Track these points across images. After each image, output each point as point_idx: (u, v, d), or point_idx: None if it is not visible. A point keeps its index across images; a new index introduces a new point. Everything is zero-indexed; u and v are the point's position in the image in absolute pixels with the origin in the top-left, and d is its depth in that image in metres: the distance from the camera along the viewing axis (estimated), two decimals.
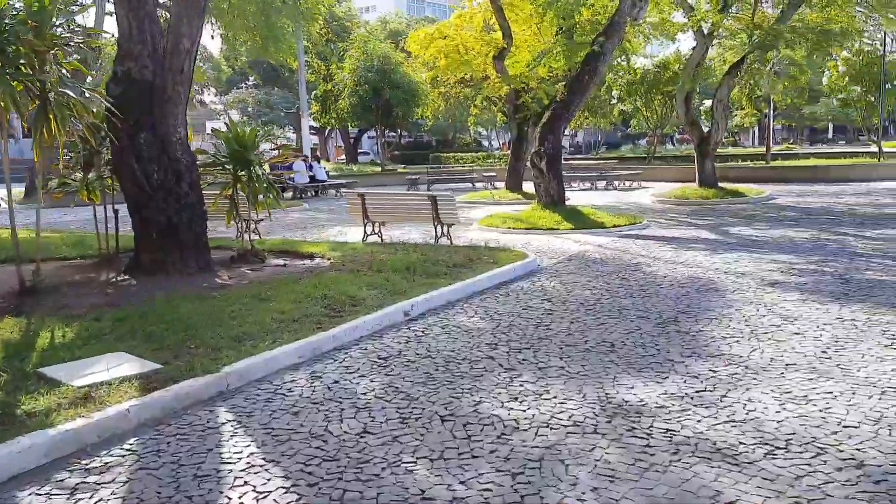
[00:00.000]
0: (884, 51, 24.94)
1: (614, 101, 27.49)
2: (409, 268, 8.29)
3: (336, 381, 5.08)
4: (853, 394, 4.50)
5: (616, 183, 22.84)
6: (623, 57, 26.10)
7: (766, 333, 5.91)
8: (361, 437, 4.13)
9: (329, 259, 9.32)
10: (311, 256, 9.63)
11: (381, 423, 4.31)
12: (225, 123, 9.78)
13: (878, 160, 25.79)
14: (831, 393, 4.53)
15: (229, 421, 4.47)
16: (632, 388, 4.76)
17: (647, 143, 32.86)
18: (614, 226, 12.76)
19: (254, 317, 6.28)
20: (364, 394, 4.81)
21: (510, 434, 4.09)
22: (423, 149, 53.91)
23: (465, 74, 20.03)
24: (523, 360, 5.42)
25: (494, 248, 10.17)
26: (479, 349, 5.73)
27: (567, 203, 14.79)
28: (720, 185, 18.22)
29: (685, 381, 4.84)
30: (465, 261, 8.93)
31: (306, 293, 7.04)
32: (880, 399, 4.39)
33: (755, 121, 44.33)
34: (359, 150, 52.81)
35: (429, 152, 48.43)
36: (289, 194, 22.45)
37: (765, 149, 29.11)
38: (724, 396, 4.54)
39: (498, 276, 8.41)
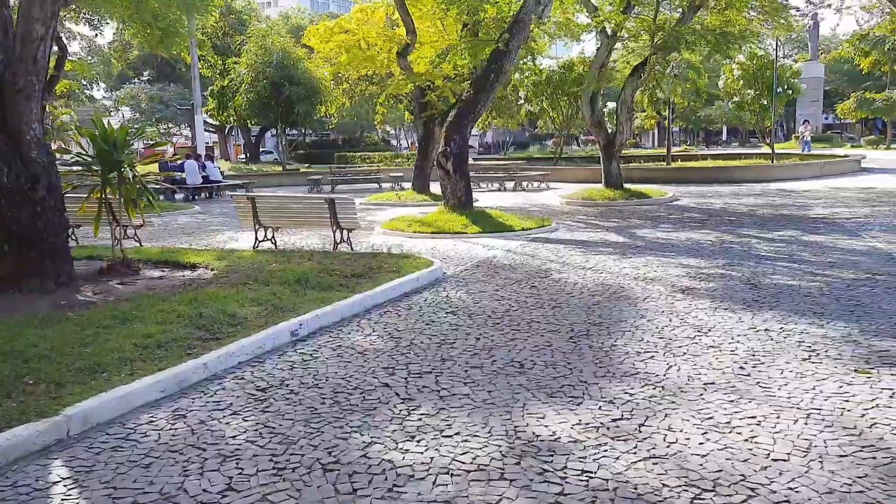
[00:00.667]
0: (775, 55, 25.93)
1: (521, 102, 27.39)
2: (301, 279, 7.54)
3: (202, 422, 4.33)
4: (777, 418, 4.14)
5: (525, 184, 22.67)
6: (529, 57, 26.09)
7: (680, 347, 5.55)
8: (224, 496, 3.42)
9: (212, 270, 8.45)
10: (192, 267, 8.72)
11: (250, 475, 3.62)
12: (91, 120, 8.72)
13: (771, 161, 26.77)
14: (755, 418, 4.15)
15: (64, 479, 3.66)
16: (543, 418, 4.24)
17: (554, 145, 33.07)
18: (523, 229, 12.38)
19: (112, 343, 5.42)
20: (234, 437, 4.09)
21: (403, 485, 3.48)
22: (329, 147, 52.63)
23: (369, 71, 19.31)
24: (423, 387, 4.83)
25: (397, 255, 9.55)
26: (373, 375, 5.10)
27: (475, 205, 14.33)
28: (625, 186, 18.26)
29: (600, 408, 4.37)
30: (364, 270, 8.26)
31: (179, 312, 6.20)
32: (806, 424, 4.04)
33: (654, 123, 45.57)
34: (261, 149, 50.99)
35: (335, 151, 47.27)
36: (180, 196, 21.08)
37: (665, 150, 29.73)
38: (643, 425, 4.09)
39: (400, 286, 7.79)
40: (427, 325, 6.47)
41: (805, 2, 26.72)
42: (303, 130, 42.10)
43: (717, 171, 24.93)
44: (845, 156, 29.74)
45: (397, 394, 4.70)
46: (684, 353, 5.40)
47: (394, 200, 19.36)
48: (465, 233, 12.07)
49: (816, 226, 12.21)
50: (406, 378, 5.01)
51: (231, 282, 7.58)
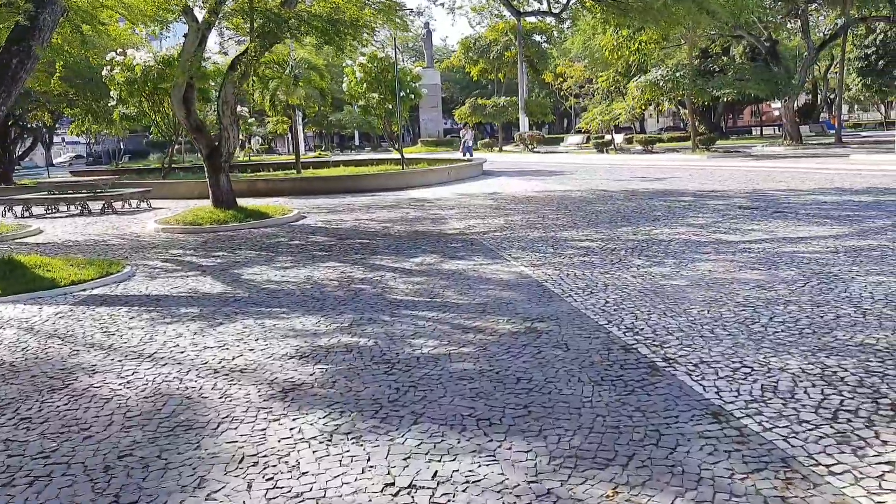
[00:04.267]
0: (395, 55, 25.15)
1: (113, 103, 22.51)
2: None
3: None
4: None
5: (117, 205, 18.09)
6: (119, 50, 21.39)
7: None
8: None
9: None
10: None
11: None
12: None
13: (402, 167, 25.99)
14: None
15: None
16: None
17: (165, 154, 28.52)
18: (74, 282, 8.47)
19: None
20: None
21: None
22: None
23: None
24: None
25: None
26: None
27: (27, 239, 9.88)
28: (241, 204, 15.09)
29: None
30: None
31: None
32: None
33: (287, 127, 43.18)
34: None
35: None
36: None
37: (295, 158, 27.31)
38: None
39: None
40: None
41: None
42: None
43: (349, 180, 23.16)
44: (470, 160, 30.57)
45: None
46: None
47: None
48: None
49: (455, 246, 10.48)
50: None
51: None
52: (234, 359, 5.56)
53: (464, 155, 33.99)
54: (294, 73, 23.45)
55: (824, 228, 10.30)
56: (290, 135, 54.19)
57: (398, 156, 27.15)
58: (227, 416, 4.41)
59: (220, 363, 5.48)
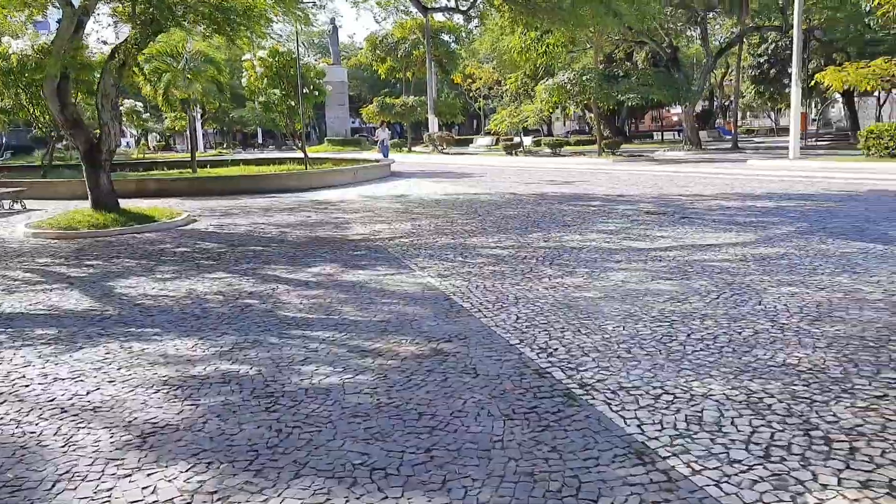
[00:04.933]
0: (297, 52, 24.12)
1: None
2: None
3: None
4: None
5: None
6: None
7: None
8: None
9: None
10: None
11: None
12: None
13: (306, 167, 24.99)
14: None
15: None
16: None
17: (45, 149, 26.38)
18: None
19: None
20: None
21: None
22: None
23: None
24: None
25: None
26: None
27: None
28: (124, 206, 13.84)
29: None
30: None
31: None
32: None
33: (185, 125, 41.17)
34: None
35: None
36: None
37: (191, 156, 25.83)
38: None
39: None
40: None
41: None
42: None
43: (248, 180, 22.00)
44: (377, 161, 29.82)
45: None
46: None
47: None
48: None
49: (358, 253, 9.81)
50: None
51: None
52: (88, 394, 4.73)
53: (384, 156, 32.73)
54: (189, 67, 22.08)
55: (731, 235, 10.24)
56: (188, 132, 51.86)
57: (302, 155, 26.12)
58: (66, 473, 3.63)
59: (70, 400, 4.63)
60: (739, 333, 5.51)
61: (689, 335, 5.50)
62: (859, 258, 8.22)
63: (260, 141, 70.26)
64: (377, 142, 34.95)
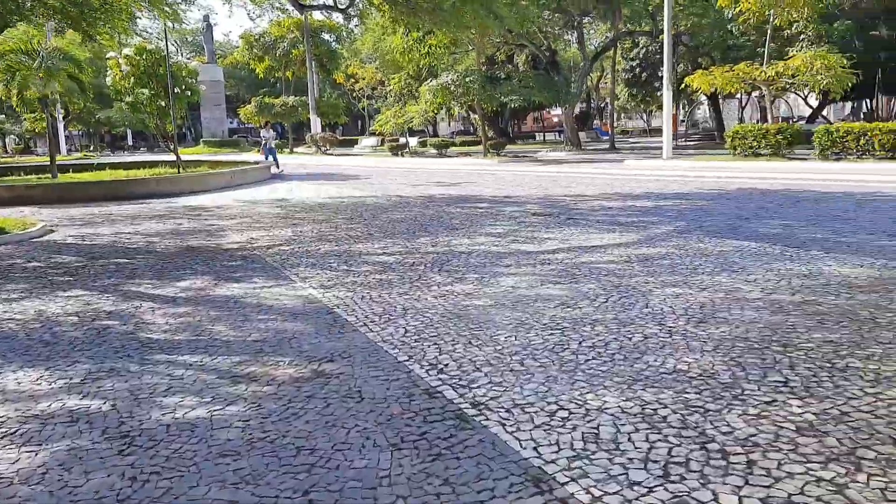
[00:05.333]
0: (167, 50, 22.72)
1: None
2: None
3: None
4: None
5: None
6: None
7: None
8: None
9: None
10: None
11: None
12: None
13: (178, 171, 23.62)
14: None
15: None
16: None
17: None
18: None
19: None
20: None
21: None
22: None
23: None
24: None
25: None
26: None
27: None
28: None
29: None
30: None
31: None
32: None
33: (46, 126, 38.21)
34: None
35: None
36: None
37: (50, 159, 23.85)
38: None
39: None
40: None
41: None
42: None
43: (115, 185, 20.49)
44: (257, 163, 28.68)
45: None
46: None
47: None
48: None
49: (233, 264, 9.16)
50: None
51: None
52: None
53: (266, 158, 30.86)
54: (46, 65, 20.32)
55: (615, 236, 10.36)
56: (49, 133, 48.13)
57: (175, 158, 24.71)
58: None
59: None
60: (629, 339, 5.41)
61: (580, 343, 5.36)
62: (735, 256, 8.46)
63: (130, 143, 66.50)
64: (263, 144, 32.50)
